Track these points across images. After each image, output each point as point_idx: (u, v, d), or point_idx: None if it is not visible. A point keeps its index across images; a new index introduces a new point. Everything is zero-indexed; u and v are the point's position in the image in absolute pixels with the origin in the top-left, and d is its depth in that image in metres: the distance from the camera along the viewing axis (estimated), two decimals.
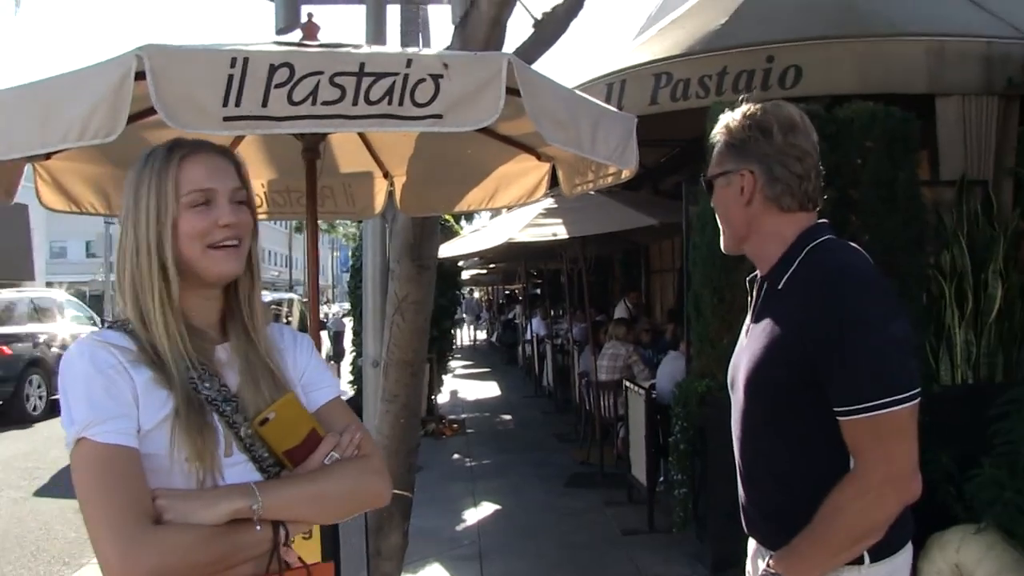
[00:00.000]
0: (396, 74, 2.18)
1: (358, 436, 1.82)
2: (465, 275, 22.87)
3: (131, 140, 3.24)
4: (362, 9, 6.95)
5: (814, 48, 6.18)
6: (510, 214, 10.32)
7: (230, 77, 2.11)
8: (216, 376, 1.73)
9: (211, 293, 1.80)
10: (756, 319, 2.19)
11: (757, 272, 2.25)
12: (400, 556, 4.79)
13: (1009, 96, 5.90)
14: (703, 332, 5.78)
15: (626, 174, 3.20)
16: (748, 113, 2.15)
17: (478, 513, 8.05)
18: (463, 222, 17.50)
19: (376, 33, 6.71)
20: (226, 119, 2.10)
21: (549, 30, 4.71)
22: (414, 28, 8.90)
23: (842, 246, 2.11)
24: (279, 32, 7.31)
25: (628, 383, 8.02)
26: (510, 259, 16.41)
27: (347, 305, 27.21)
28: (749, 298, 2.28)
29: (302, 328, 10.85)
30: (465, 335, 31.19)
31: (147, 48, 2.10)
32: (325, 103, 2.14)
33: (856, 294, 1.96)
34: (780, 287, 2.10)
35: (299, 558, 1.76)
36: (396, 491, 4.66)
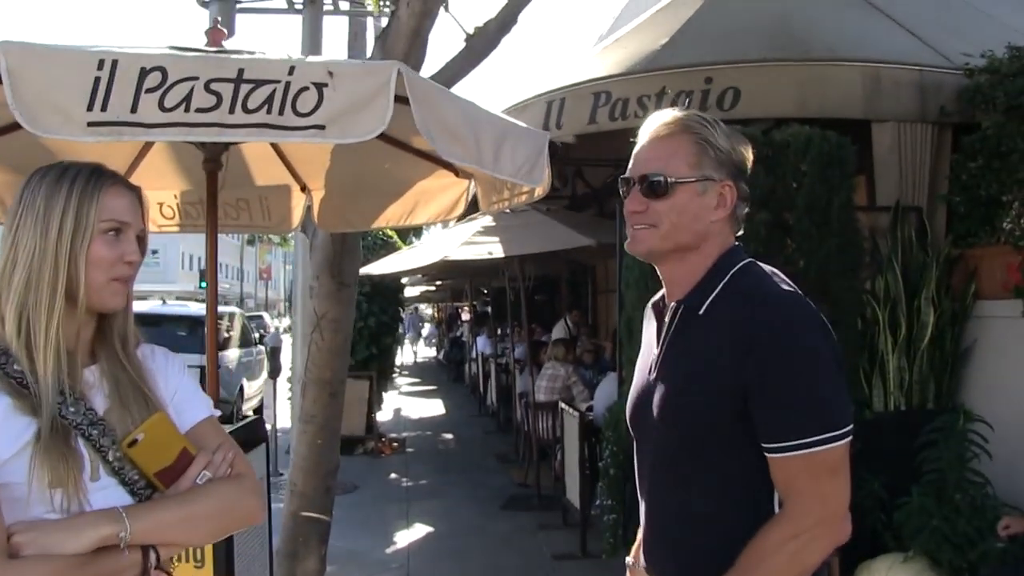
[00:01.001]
0: (277, 82, 2.06)
1: (231, 455, 1.79)
2: (415, 291, 22.70)
3: (30, 145, 3.10)
4: (299, 20, 6.83)
5: (752, 71, 6.15)
6: (448, 231, 10.20)
7: (97, 79, 1.98)
8: (82, 399, 1.67)
9: (88, 318, 1.75)
10: (669, 348, 2.01)
11: (662, 296, 2.12)
12: None
13: (942, 124, 5.91)
14: (634, 355, 5.69)
15: (539, 192, 3.10)
16: (717, 122, 1.98)
17: (410, 535, 7.89)
18: (412, 238, 17.35)
19: (312, 45, 6.59)
20: (91, 124, 1.97)
21: (480, 45, 4.63)
22: (362, 42, 8.79)
23: (767, 272, 1.98)
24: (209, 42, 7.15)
25: (563, 405, 7.92)
26: (454, 276, 16.27)
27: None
28: (655, 324, 2.14)
29: (245, 342, 10.67)
30: (408, 353, 31.00)
31: (4, 45, 1.96)
32: (199, 110, 2.01)
33: (794, 326, 1.84)
34: (701, 312, 1.94)
35: None
36: (313, 515, 4.53)
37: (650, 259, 2.05)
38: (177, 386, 1.87)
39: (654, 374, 2.04)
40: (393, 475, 10.60)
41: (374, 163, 3.76)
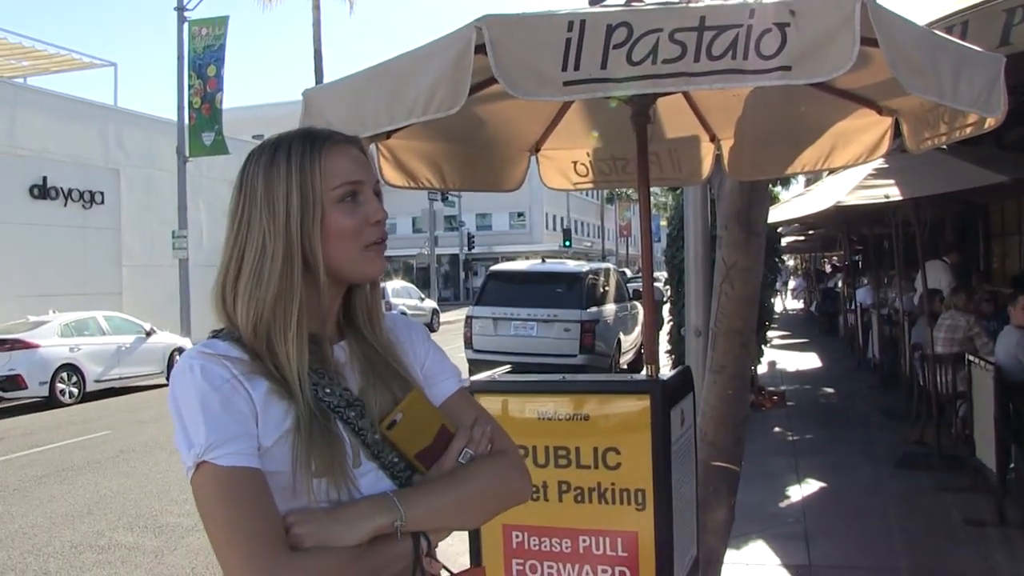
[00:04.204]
0: (739, 26, 2.05)
1: (489, 429, 1.70)
2: (782, 242, 22.06)
3: (462, 115, 3.35)
4: None
5: None
6: (836, 176, 9.75)
7: (568, 41, 2.08)
8: (337, 380, 1.59)
9: (337, 292, 1.64)
10: None
11: None
12: (726, 531, 4.69)
13: None
14: None
15: (991, 123, 2.86)
16: None
17: (802, 490, 7.73)
18: (779, 187, 16.86)
19: None
20: (566, 83, 2.07)
21: None
22: None
23: None
24: (593, 2, 7.29)
25: (972, 357, 7.34)
26: (831, 225, 15.59)
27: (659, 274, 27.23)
28: None
29: (619, 297, 10.94)
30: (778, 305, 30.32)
31: (486, 19, 2.12)
32: (666, 61, 2.05)
33: None
34: None
35: (444, 568, 1.63)
36: (724, 464, 4.56)
37: None
38: (425, 357, 1.77)
39: None
40: (777, 429, 10.44)
41: (789, 107, 3.67)
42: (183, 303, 23.22)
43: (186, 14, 23.89)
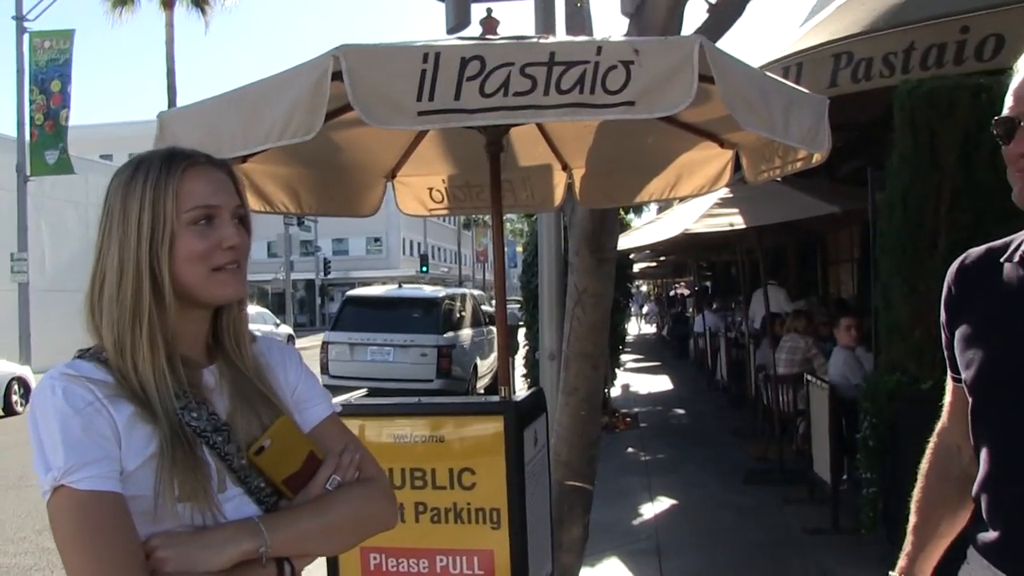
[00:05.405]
0: (587, 62, 2.17)
1: (358, 456, 1.71)
2: (635, 268, 22.71)
3: (319, 140, 3.37)
4: (530, 5, 6.94)
5: (1019, 13, 5.71)
6: (684, 205, 10.15)
7: (423, 72, 2.14)
8: (204, 404, 1.57)
9: (201, 315, 1.64)
10: None
11: (1004, 247, 1.79)
12: (581, 549, 4.80)
13: None
14: (892, 324, 5.51)
15: (817, 158, 3.08)
16: None
17: (654, 508, 7.96)
18: (631, 214, 17.36)
19: (545, 28, 6.69)
20: (420, 113, 2.14)
21: (726, 15, 4.60)
22: (578, 22, 8.81)
23: None
24: (450, 31, 7.38)
25: (810, 377, 7.75)
26: (680, 252, 16.18)
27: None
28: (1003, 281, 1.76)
29: (476, 322, 10.97)
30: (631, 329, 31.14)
31: (343, 48, 2.17)
32: (517, 94, 2.15)
33: None
34: None
35: None
36: (577, 484, 4.68)
37: None
38: (297, 382, 1.77)
39: None
40: (631, 449, 10.70)
41: (637, 138, 3.83)
42: (22, 330, 22.05)
43: (26, 24, 22.84)
